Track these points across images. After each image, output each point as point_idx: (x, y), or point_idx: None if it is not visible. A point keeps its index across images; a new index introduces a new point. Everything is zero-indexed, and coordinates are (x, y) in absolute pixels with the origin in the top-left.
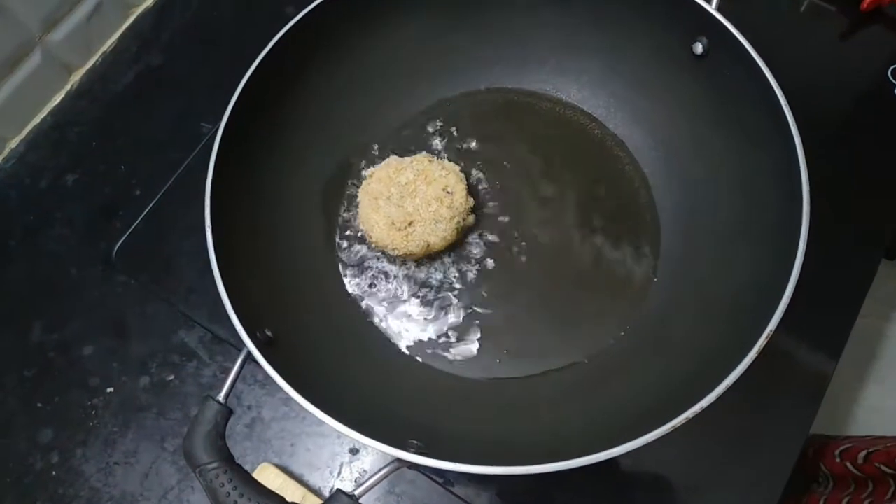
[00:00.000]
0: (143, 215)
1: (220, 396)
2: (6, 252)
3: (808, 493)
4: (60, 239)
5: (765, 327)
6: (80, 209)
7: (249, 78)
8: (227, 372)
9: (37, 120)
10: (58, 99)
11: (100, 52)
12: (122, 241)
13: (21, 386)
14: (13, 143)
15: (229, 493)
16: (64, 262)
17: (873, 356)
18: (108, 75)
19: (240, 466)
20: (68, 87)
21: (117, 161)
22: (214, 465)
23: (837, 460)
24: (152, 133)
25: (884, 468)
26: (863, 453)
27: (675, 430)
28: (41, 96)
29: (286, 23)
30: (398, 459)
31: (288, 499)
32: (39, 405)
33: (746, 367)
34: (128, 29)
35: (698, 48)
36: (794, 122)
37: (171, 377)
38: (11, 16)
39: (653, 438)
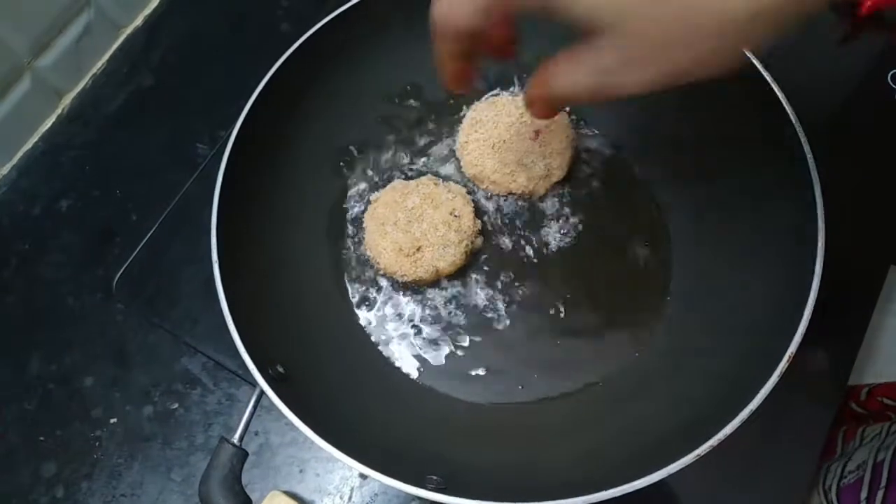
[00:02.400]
0: (142, 244)
1: (235, 438)
2: (1, 282)
3: None
4: (56, 267)
5: (785, 349)
6: (76, 236)
7: (249, 110)
8: (233, 398)
9: (28, 146)
10: (49, 123)
11: (90, 75)
12: (122, 271)
13: (21, 419)
14: (5, 170)
15: None
16: (61, 291)
17: (871, 349)
18: (99, 98)
19: None
20: (59, 111)
21: (112, 185)
22: None
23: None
24: (146, 156)
25: (886, 401)
26: (865, 390)
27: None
28: (32, 121)
29: (280, 40)
30: (418, 497)
31: None
32: (41, 439)
33: (769, 390)
34: (118, 50)
35: None
36: (806, 139)
37: (176, 406)
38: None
39: (678, 468)
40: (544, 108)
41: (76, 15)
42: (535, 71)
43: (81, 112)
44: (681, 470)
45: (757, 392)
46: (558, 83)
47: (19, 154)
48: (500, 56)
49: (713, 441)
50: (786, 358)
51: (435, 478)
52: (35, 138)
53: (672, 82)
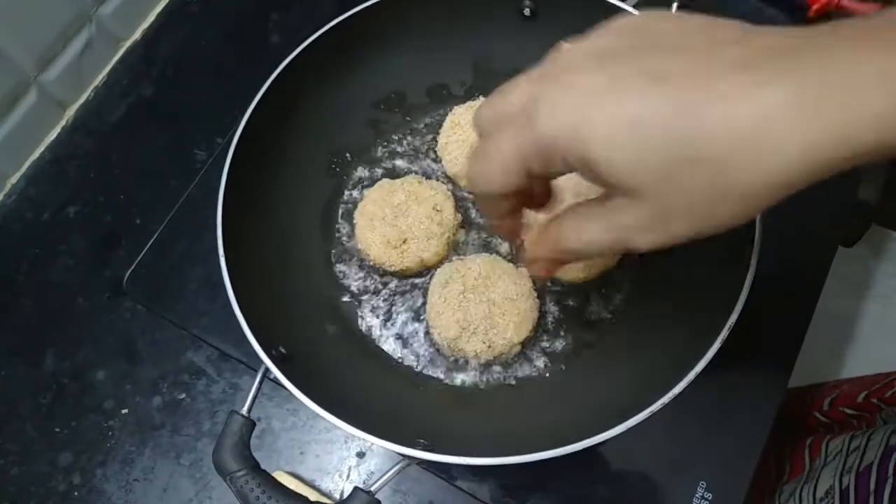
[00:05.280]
0: (149, 244)
1: (244, 410)
2: (14, 285)
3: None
4: (66, 270)
5: (727, 320)
6: (83, 240)
7: (248, 118)
8: (236, 387)
9: (35, 155)
10: (54, 134)
11: (92, 87)
12: (131, 270)
13: (38, 413)
14: (13, 179)
15: (258, 497)
16: (71, 292)
17: (849, 335)
18: (101, 109)
19: (265, 472)
20: (64, 121)
21: (116, 191)
22: (243, 472)
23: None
24: (148, 163)
25: (847, 410)
26: (827, 400)
27: (654, 415)
28: (38, 132)
29: (271, 51)
30: (407, 456)
31: None
32: (57, 430)
33: (712, 356)
34: (118, 62)
35: None
36: None
37: (183, 396)
38: (7, 58)
39: (633, 424)
40: (550, 264)
41: (78, 30)
42: (535, 230)
43: (85, 122)
44: (651, 432)
45: (701, 358)
46: (570, 240)
47: (27, 164)
48: (537, 208)
49: (665, 399)
50: (727, 327)
51: (422, 441)
52: (42, 148)
53: (683, 241)
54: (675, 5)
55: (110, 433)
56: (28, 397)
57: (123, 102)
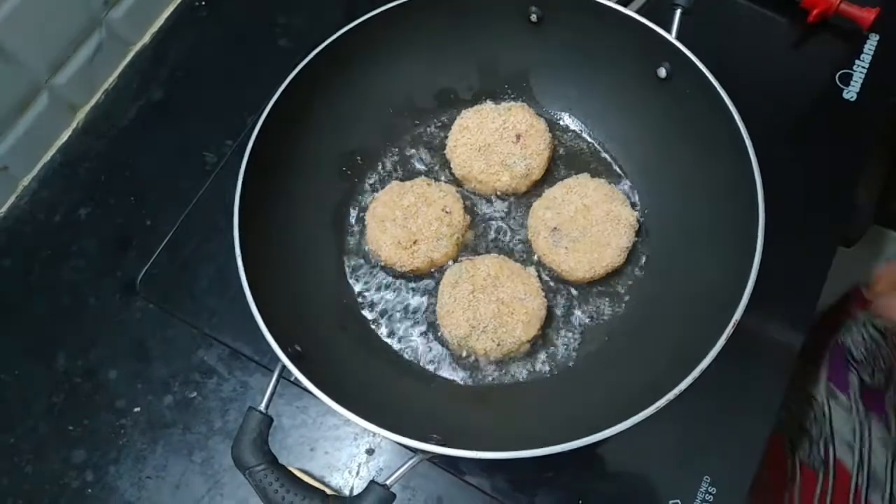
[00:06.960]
0: (163, 244)
1: (262, 406)
2: (26, 285)
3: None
4: (77, 270)
5: (731, 317)
6: (95, 241)
7: (262, 124)
8: (246, 385)
9: (46, 158)
10: (65, 137)
11: (103, 90)
12: (145, 270)
13: (51, 412)
14: (26, 181)
15: (277, 490)
16: (83, 292)
17: None
18: (111, 111)
19: (283, 466)
20: (75, 124)
21: (126, 193)
22: (262, 466)
23: None
24: (157, 165)
25: None
26: None
27: (659, 410)
28: (49, 135)
29: (279, 54)
30: (422, 451)
31: None
32: (70, 428)
33: (717, 353)
34: (128, 66)
35: (662, 72)
36: (748, 135)
37: (194, 394)
38: (19, 63)
39: (639, 420)
40: None
41: (89, 35)
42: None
43: (96, 125)
44: (653, 428)
45: (706, 355)
46: None
47: (39, 166)
48: None
49: (670, 395)
50: (731, 324)
51: (435, 436)
52: (53, 151)
53: None
54: (677, 12)
55: (122, 431)
56: (41, 396)
57: (133, 105)
